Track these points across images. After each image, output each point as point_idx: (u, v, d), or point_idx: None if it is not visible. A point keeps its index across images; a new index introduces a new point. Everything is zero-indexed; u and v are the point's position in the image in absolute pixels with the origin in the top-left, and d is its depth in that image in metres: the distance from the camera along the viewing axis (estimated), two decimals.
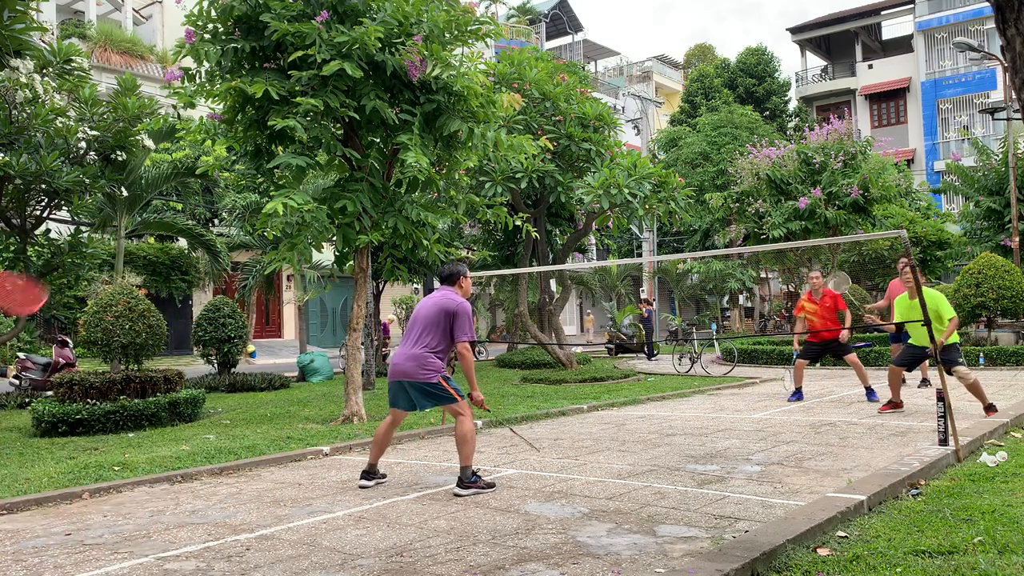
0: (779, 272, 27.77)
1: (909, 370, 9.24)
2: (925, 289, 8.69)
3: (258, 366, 21.03)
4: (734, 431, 8.16)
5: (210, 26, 8.60)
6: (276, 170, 9.06)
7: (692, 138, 35.62)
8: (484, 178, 13.69)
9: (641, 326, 23.26)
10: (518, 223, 11.49)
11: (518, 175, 13.91)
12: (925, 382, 11.99)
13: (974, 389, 8.39)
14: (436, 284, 6.47)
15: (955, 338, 8.77)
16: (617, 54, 52.16)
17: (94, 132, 11.29)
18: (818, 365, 16.76)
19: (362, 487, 5.90)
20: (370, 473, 5.99)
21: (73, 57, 10.41)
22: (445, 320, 5.77)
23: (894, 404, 9.31)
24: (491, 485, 5.69)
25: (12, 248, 11.40)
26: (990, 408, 8.60)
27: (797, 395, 10.81)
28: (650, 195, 14.14)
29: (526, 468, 6.46)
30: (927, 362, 10.96)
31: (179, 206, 20.16)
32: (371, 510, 5.19)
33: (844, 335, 10.53)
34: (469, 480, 5.62)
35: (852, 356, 10.56)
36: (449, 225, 15.86)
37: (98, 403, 9.36)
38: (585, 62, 47.47)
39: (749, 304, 42.22)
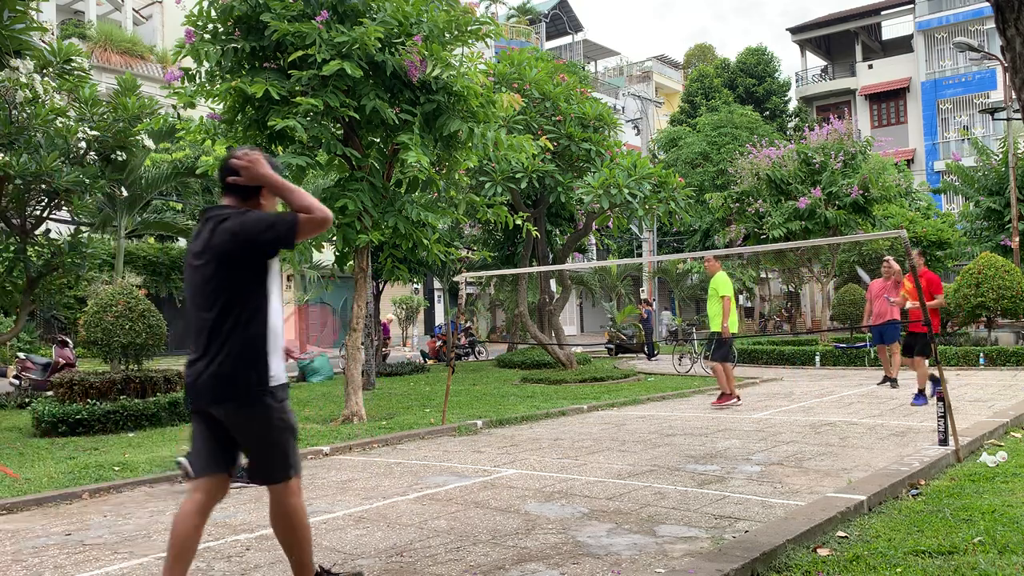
0: (779, 272, 27.75)
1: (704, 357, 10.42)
2: (719, 274, 9.98)
3: None
4: (734, 431, 8.16)
5: (210, 26, 8.60)
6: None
7: (692, 138, 35.59)
8: (484, 178, 13.69)
9: (641, 326, 23.27)
10: (518, 223, 11.48)
11: (518, 175, 13.91)
12: (890, 380, 11.84)
13: (716, 374, 10.16)
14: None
15: (733, 327, 9.88)
16: (617, 54, 52.13)
17: (94, 132, 11.28)
18: (818, 364, 16.77)
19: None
20: None
21: (73, 57, 10.41)
22: None
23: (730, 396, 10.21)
24: None
25: (12, 248, 11.40)
26: (724, 396, 10.05)
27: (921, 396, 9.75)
28: (650, 195, 14.15)
29: (526, 468, 6.46)
30: (900, 357, 11.06)
31: (179, 206, 20.12)
32: (371, 510, 5.19)
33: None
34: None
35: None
36: (449, 225, 15.86)
37: (98, 403, 9.35)
38: (585, 62, 47.44)
39: (749, 304, 42.20)
